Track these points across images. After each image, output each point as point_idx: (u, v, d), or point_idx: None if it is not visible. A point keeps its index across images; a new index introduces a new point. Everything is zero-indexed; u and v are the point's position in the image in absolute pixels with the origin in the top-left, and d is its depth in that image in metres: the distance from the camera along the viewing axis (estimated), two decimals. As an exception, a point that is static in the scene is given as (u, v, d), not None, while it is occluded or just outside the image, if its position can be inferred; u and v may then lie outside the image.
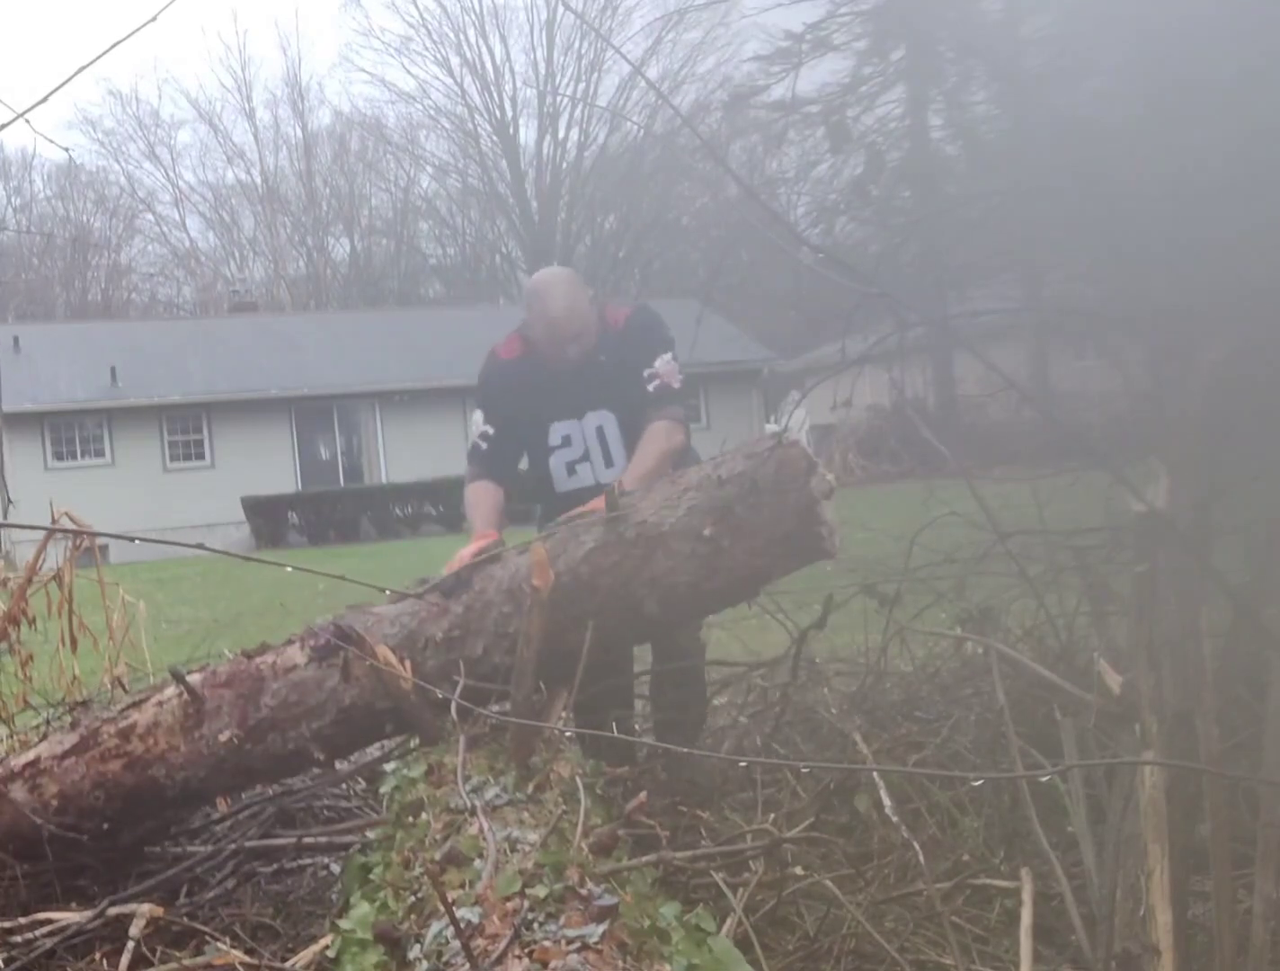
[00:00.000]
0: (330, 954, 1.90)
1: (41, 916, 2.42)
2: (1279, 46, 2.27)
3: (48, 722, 3.32)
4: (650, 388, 3.08)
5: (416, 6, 38.72)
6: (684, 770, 3.23)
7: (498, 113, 38.63)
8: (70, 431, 23.55)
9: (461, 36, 37.96)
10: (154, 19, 2.21)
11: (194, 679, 2.69)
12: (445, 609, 2.67)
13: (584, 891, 1.71)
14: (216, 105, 49.60)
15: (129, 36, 2.19)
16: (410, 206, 42.18)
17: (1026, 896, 2.08)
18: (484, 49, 37.96)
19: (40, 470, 22.71)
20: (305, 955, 2.14)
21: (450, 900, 1.61)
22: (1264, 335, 2.32)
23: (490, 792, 2.13)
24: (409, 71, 49.22)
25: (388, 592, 2.75)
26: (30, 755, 2.76)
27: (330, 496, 23.27)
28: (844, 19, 6.11)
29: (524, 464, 3.34)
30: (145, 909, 2.29)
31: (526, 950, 1.55)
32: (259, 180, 42.72)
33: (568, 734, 2.50)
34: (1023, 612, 3.40)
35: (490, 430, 3.19)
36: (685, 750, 2.73)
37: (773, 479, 2.49)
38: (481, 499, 3.13)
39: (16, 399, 22.86)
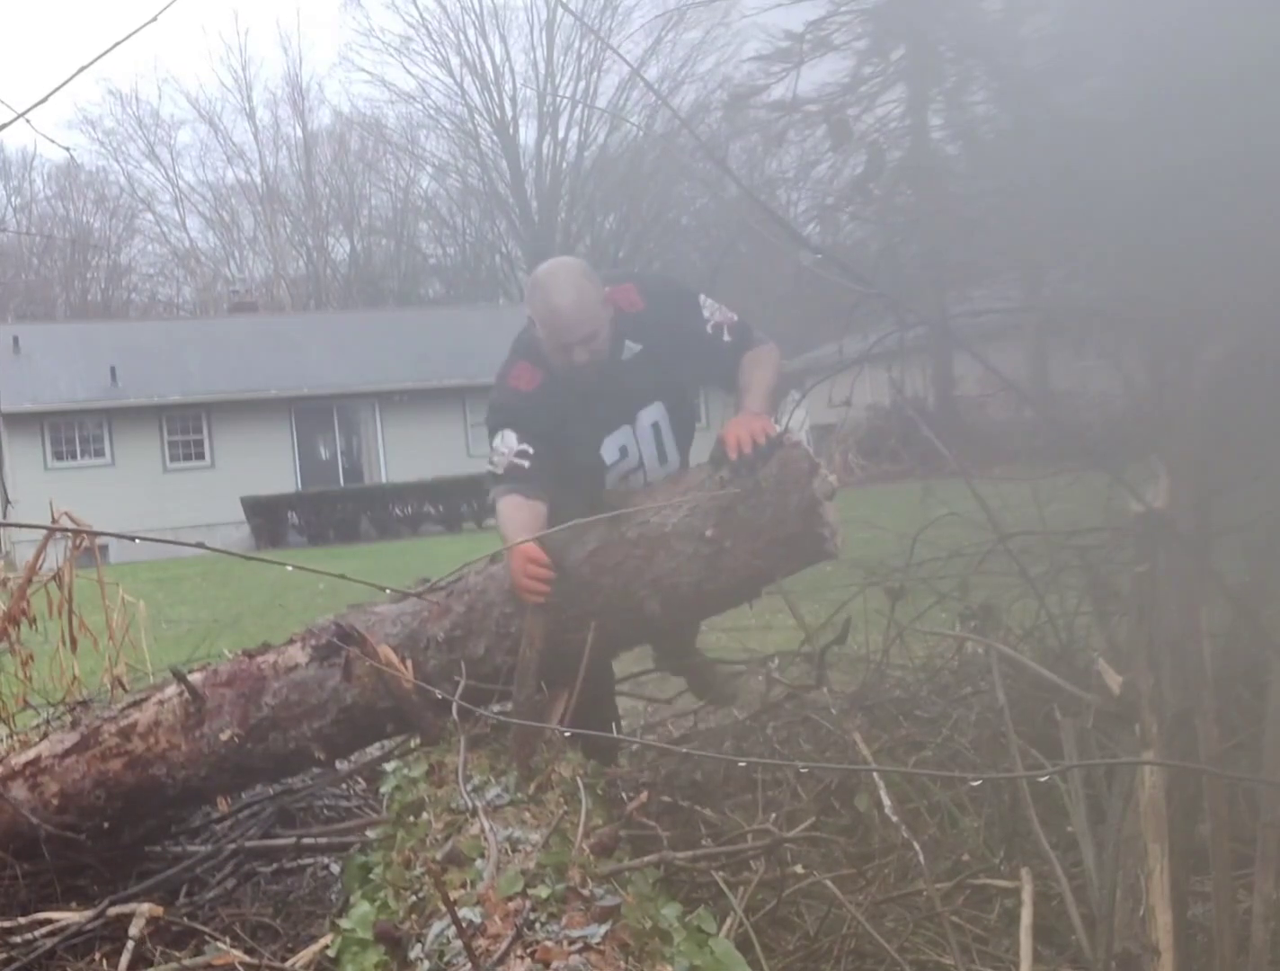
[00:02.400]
0: (330, 953, 1.91)
1: (41, 916, 2.42)
2: (1279, 45, 2.27)
3: (48, 722, 3.32)
4: (725, 337, 2.79)
5: (416, 6, 38.78)
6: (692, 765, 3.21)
7: (498, 113, 38.66)
8: (70, 431, 23.55)
9: (461, 36, 38.00)
10: (154, 19, 2.20)
11: (195, 678, 2.70)
12: (447, 608, 2.67)
13: (585, 892, 1.71)
14: (216, 105, 49.79)
15: (129, 36, 2.18)
16: (410, 206, 42.19)
17: (1026, 896, 2.08)
18: (484, 49, 38.01)
19: (40, 470, 22.72)
20: (305, 955, 2.14)
21: (452, 900, 1.61)
22: (1264, 335, 2.32)
23: (491, 793, 2.13)
24: (409, 71, 49.23)
25: (389, 592, 2.75)
26: (31, 754, 2.76)
27: (330, 496, 23.27)
28: (844, 18, 6.11)
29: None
30: (145, 908, 2.29)
31: (528, 950, 1.55)
32: (259, 180, 42.75)
33: (567, 734, 2.50)
34: (1023, 613, 3.40)
35: (530, 449, 2.71)
36: (684, 750, 2.73)
37: (775, 480, 2.50)
38: (521, 514, 2.65)
39: (16, 399, 22.87)
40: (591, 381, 2.73)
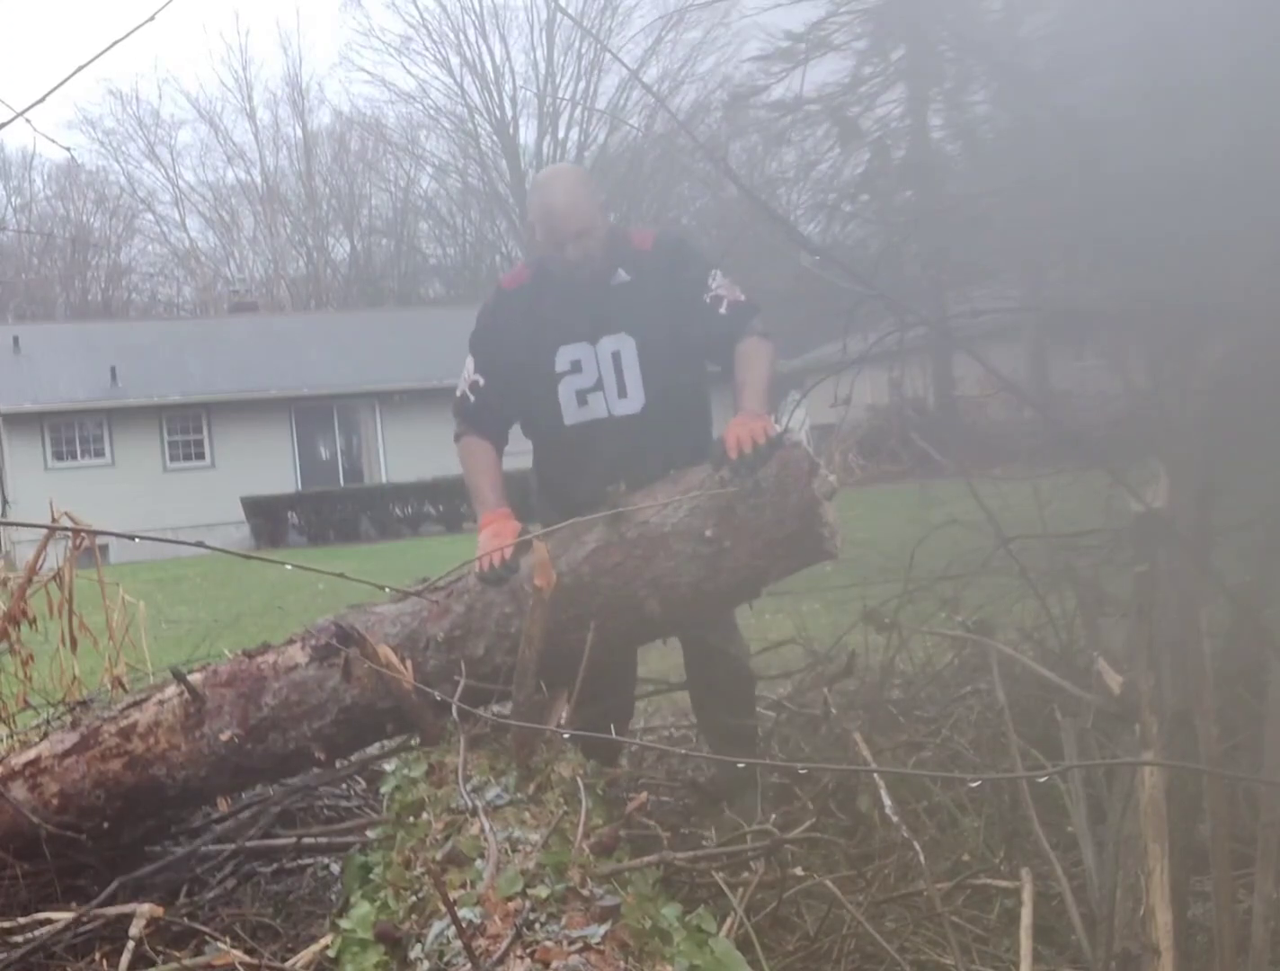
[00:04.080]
0: (330, 954, 1.90)
1: (42, 916, 2.42)
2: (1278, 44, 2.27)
3: (48, 722, 3.32)
4: (722, 310, 2.80)
5: (416, 6, 38.92)
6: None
7: (498, 113, 38.66)
8: (70, 431, 23.56)
9: (461, 36, 38.00)
10: (152, 18, 2.20)
11: (195, 678, 2.69)
12: (447, 608, 2.66)
13: (585, 892, 1.71)
14: (217, 105, 49.90)
15: (128, 36, 2.18)
16: (410, 206, 42.21)
17: (1026, 896, 2.08)
18: (484, 49, 38.01)
19: (40, 470, 22.73)
20: (305, 955, 2.14)
21: (452, 900, 1.61)
22: (1264, 334, 2.32)
23: (491, 793, 2.13)
24: (409, 71, 49.43)
25: (389, 591, 2.75)
26: (31, 754, 2.75)
27: (330, 496, 23.27)
28: (844, 19, 6.10)
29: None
30: (145, 909, 2.29)
31: (528, 950, 1.55)
32: (259, 180, 42.76)
33: (567, 735, 2.50)
34: (1023, 613, 3.40)
35: (480, 380, 2.91)
36: (683, 752, 2.72)
37: (775, 480, 2.49)
38: (480, 461, 2.89)
39: (16, 399, 22.89)
40: (578, 287, 2.82)
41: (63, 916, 2.40)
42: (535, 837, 1.92)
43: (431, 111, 39.51)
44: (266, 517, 22.51)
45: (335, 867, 2.81)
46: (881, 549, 3.88)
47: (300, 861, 2.90)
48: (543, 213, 2.81)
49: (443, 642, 2.63)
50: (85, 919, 2.37)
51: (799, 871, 2.42)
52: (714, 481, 2.53)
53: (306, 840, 2.87)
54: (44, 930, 2.35)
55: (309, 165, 42.32)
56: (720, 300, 2.81)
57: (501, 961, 1.52)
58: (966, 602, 3.40)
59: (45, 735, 2.94)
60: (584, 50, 36.76)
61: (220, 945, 2.25)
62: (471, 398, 2.93)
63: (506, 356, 2.91)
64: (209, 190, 43.26)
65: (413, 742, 2.67)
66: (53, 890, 2.66)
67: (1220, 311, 2.37)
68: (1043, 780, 2.42)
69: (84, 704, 3.22)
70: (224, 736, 2.63)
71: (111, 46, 2.22)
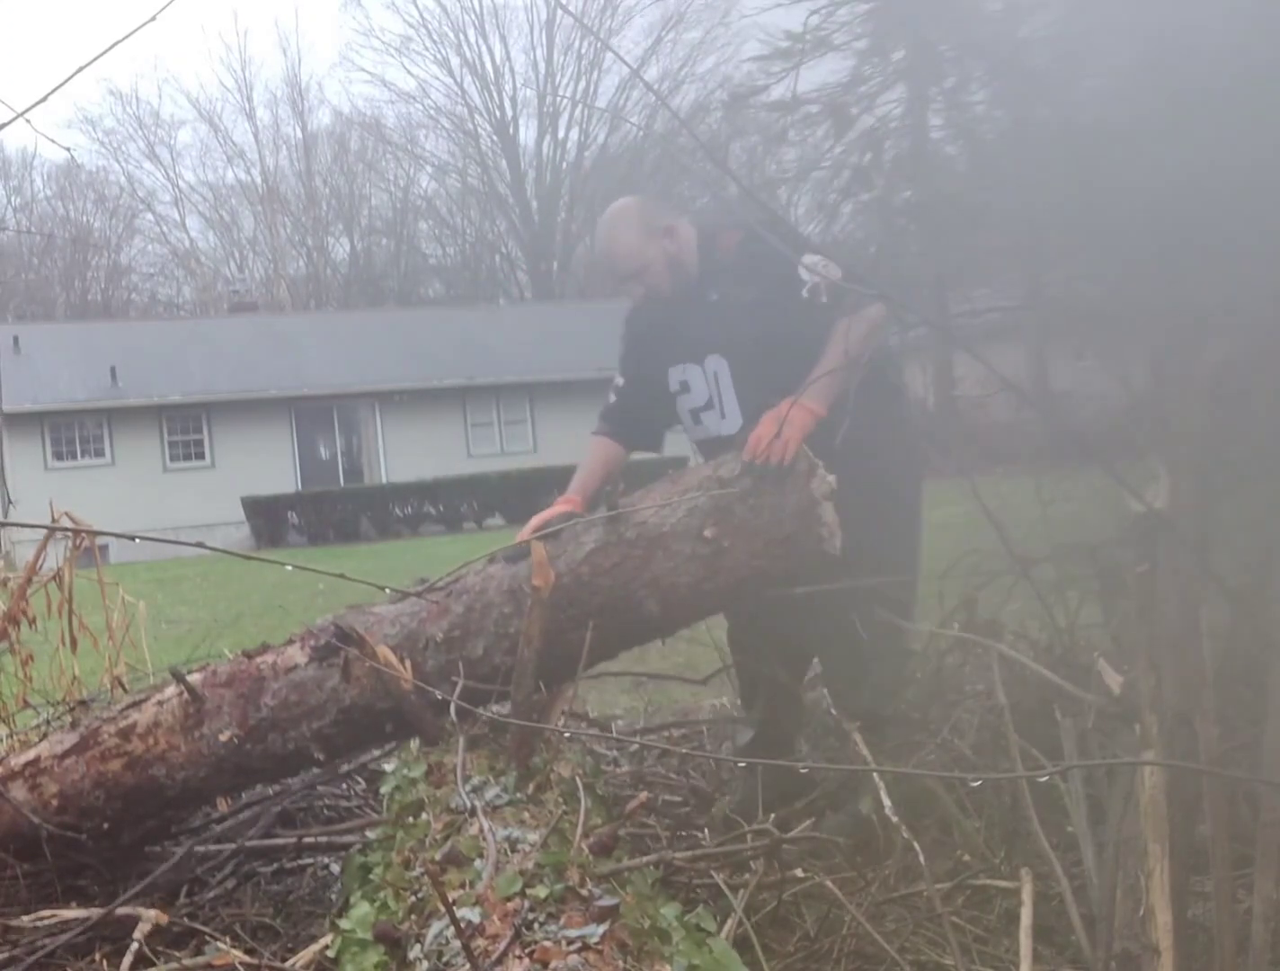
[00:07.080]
0: (330, 954, 1.91)
1: (47, 913, 2.42)
2: (1280, 46, 2.27)
3: (48, 722, 3.32)
4: (823, 299, 2.64)
5: (416, 6, 38.96)
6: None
7: (497, 113, 38.73)
8: (70, 431, 23.58)
9: (461, 36, 38.09)
10: (153, 19, 2.21)
11: (194, 678, 2.69)
12: (446, 609, 2.66)
13: (584, 892, 1.71)
14: (216, 105, 49.78)
15: (129, 36, 2.19)
16: (410, 206, 42.23)
17: (1026, 896, 2.08)
18: (484, 49, 38.10)
19: (40, 470, 22.75)
20: (305, 955, 2.14)
21: (451, 900, 1.61)
22: (1266, 335, 2.32)
23: (490, 793, 2.13)
24: (409, 71, 49.47)
25: (388, 592, 2.75)
26: (30, 754, 2.76)
27: (330, 496, 23.28)
28: (844, 18, 6.09)
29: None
30: (151, 914, 2.30)
31: (527, 950, 1.55)
32: (259, 180, 42.75)
33: (566, 735, 2.50)
34: (1024, 613, 3.39)
35: (620, 381, 3.05)
36: (685, 751, 2.72)
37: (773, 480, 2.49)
38: (588, 456, 2.99)
39: (16, 399, 22.89)
40: (678, 307, 2.87)
41: (72, 915, 2.40)
42: (534, 837, 1.92)
43: (431, 111, 39.64)
44: (266, 517, 22.52)
45: (335, 867, 2.81)
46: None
47: (300, 861, 2.91)
48: (598, 259, 2.99)
49: (441, 643, 2.63)
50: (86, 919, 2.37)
51: (799, 872, 2.42)
52: (712, 482, 2.54)
53: (306, 840, 2.87)
54: (43, 925, 2.35)
55: (309, 165, 42.34)
56: (819, 289, 2.64)
57: (500, 961, 1.52)
58: (966, 603, 3.39)
59: (45, 735, 2.94)
60: (584, 50, 36.82)
61: (220, 945, 2.26)
62: (612, 397, 3.06)
63: (637, 370, 3.03)
64: (209, 190, 43.31)
65: (412, 743, 2.67)
66: (53, 890, 2.66)
67: (1222, 312, 2.37)
68: (1043, 780, 2.41)
69: (84, 704, 3.23)
70: (223, 737, 2.63)
71: (112, 47, 2.23)
